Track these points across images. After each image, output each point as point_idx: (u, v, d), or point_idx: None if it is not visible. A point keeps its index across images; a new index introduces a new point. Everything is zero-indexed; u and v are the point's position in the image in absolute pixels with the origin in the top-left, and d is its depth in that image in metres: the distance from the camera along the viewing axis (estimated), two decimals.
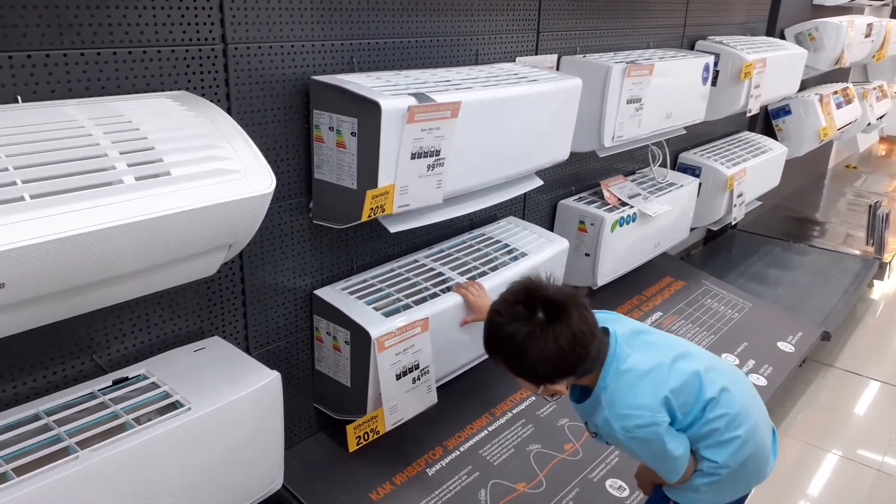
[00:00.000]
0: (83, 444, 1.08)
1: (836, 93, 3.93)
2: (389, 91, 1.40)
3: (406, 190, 1.47)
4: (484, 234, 2.02)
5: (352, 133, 1.40)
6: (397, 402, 1.56)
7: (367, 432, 1.54)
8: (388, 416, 1.55)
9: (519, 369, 1.24)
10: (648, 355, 1.29)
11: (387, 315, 1.56)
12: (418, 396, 1.61)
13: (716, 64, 2.74)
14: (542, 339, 1.18)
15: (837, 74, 4.29)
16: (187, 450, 1.17)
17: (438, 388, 1.72)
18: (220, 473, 1.24)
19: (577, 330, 1.19)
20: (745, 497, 1.42)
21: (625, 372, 1.26)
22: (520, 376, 1.25)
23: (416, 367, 1.59)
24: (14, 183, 0.91)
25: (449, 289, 1.71)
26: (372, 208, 1.42)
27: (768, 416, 1.40)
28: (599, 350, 1.26)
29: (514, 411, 1.96)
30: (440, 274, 1.77)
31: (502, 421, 1.91)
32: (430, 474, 1.70)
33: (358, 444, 1.52)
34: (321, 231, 1.60)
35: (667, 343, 1.35)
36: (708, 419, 1.28)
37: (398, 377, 1.56)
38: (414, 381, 1.59)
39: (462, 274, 1.78)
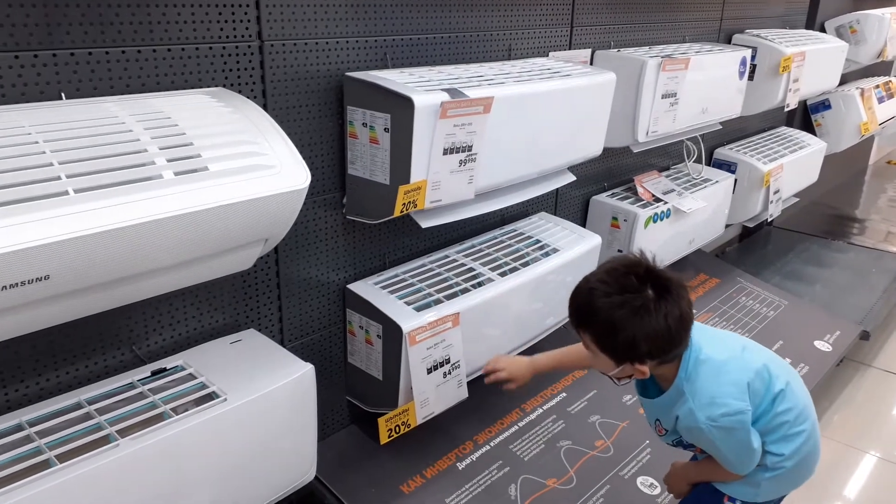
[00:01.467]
0: (123, 433, 1.11)
1: (877, 87, 3.84)
2: (422, 87, 1.41)
3: (438, 185, 1.47)
4: (515, 230, 2.02)
5: (385, 129, 1.41)
6: (428, 395, 1.57)
7: (398, 425, 1.55)
8: (419, 409, 1.56)
9: (610, 344, 1.22)
10: (720, 346, 1.29)
11: (418, 310, 1.57)
12: (449, 391, 1.62)
13: (753, 58, 2.70)
14: (653, 314, 1.17)
15: (879, 68, 4.18)
16: (223, 440, 1.20)
17: (469, 383, 1.72)
18: (254, 463, 1.26)
19: (684, 311, 1.20)
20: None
21: (703, 362, 1.27)
22: (606, 351, 1.24)
23: (447, 361, 1.60)
24: (59, 177, 0.93)
25: (480, 284, 1.71)
26: (404, 203, 1.43)
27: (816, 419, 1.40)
28: (683, 345, 1.26)
29: (545, 407, 1.95)
30: (471, 269, 1.78)
31: (533, 416, 1.91)
32: (460, 468, 1.71)
33: (389, 437, 1.53)
34: (354, 226, 1.62)
35: (729, 336, 1.36)
36: (777, 412, 1.28)
37: (429, 371, 1.57)
38: (445, 375, 1.60)
39: (493, 269, 1.78)
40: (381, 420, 1.53)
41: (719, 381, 1.25)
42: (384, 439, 1.52)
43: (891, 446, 2.32)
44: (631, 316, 1.18)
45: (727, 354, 1.29)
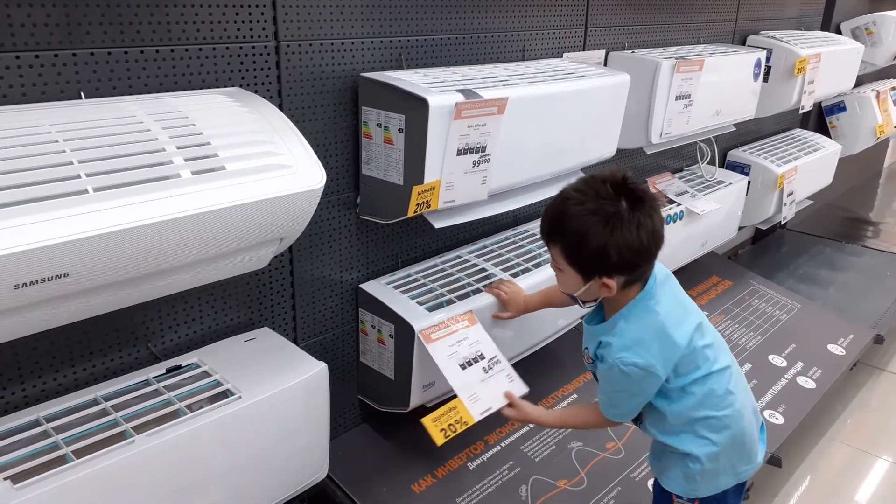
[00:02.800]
0: (139, 430, 1.12)
1: (893, 89, 3.80)
2: (437, 87, 1.41)
3: (451, 186, 1.48)
4: (528, 231, 2.02)
5: (399, 129, 1.41)
6: (476, 391, 1.53)
7: (451, 424, 1.49)
8: (470, 406, 1.50)
9: (580, 253, 1.21)
10: (675, 310, 1.28)
11: (430, 310, 1.58)
12: (499, 386, 1.56)
13: (768, 59, 2.68)
14: (625, 223, 1.17)
15: (895, 70, 4.15)
16: (237, 437, 1.21)
17: None
18: (267, 461, 1.27)
19: (657, 225, 1.20)
20: (743, 486, 1.40)
21: (652, 312, 1.26)
22: (575, 264, 1.23)
23: (482, 357, 1.57)
24: (78, 176, 0.94)
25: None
26: (418, 204, 1.43)
27: (757, 406, 1.41)
28: (648, 273, 1.26)
29: (557, 408, 1.95)
30: (483, 270, 1.78)
31: None
32: (471, 468, 1.71)
33: (446, 438, 1.46)
34: (367, 226, 1.63)
35: (692, 309, 1.34)
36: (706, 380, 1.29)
37: (464, 367, 1.54)
38: (485, 370, 1.56)
39: (505, 270, 1.78)
40: (426, 421, 1.45)
41: (650, 336, 1.24)
42: (440, 441, 1.45)
43: None
44: (603, 224, 1.18)
45: (675, 321, 1.26)
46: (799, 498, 2.07)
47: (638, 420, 1.39)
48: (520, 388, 1.58)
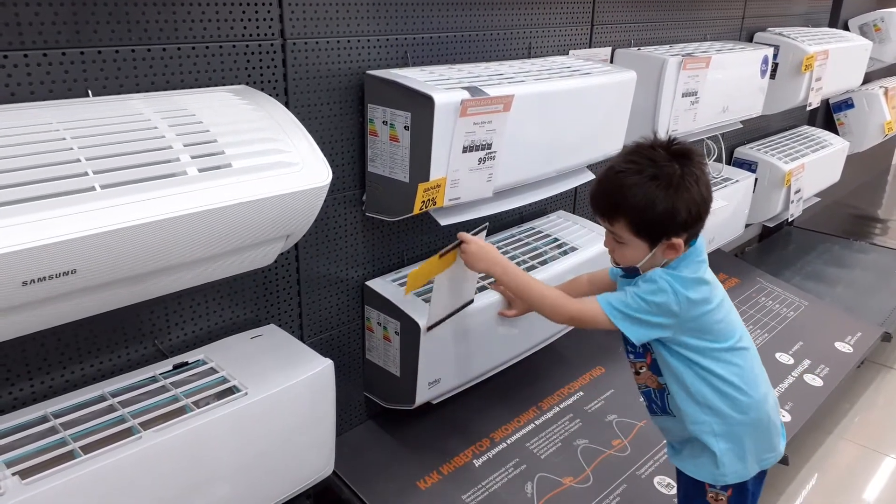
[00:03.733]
0: (146, 426, 1.13)
1: None
2: (442, 85, 1.41)
3: (457, 183, 1.48)
4: (534, 228, 2.02)
5: (405, 127, 1.41)
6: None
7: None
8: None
9: (648, 222, 1.23)
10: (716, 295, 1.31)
11: None
12: None
13: (775, 56, 2.67)
14: (687, 181, 1.21)
15: None
16: (243, 433, 1.21)
17: (486, 381, 1.73)
18: (273, 457, 1.28)
19: (708, 177, 1.26)
20: (764, 476, 1.40)
21: (698, 263, 1.30)
22: (642, 232, 1.25)
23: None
24: (86, 173, 0.95)
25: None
26: (423, 201, 1.43)
27: (777, 400, 1.41)
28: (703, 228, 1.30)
29: (562, 405, 1.95)
30: None
31: (549, 415, 1.91)
32: (476, 465, 1.71)
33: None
34: (373, 223, 1.63)
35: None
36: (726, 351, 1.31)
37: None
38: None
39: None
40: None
41: (691, 278, 1.27)
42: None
43: None
44: (666, 187, 1.21)
45: (711, 277, 1.32)
46: (806, 496, 2.06)
47: (663, 403, 1.39)
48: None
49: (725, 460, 1.33)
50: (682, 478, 1.43)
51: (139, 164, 0.99)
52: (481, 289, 1.68)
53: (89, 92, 1.12)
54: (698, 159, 1.26)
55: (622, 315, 1.28)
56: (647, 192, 1.22)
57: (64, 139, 0.97)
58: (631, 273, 1.34)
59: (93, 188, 0.94)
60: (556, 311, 1.37)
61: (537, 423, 1.88)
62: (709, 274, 1.32)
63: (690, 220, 1.24)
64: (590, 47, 2.07)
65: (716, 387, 1.30)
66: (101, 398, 1.20)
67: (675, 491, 1.72)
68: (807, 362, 2.35)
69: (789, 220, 3.10)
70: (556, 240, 1.97)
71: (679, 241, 1.25)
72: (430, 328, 1.52)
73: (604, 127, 1.83)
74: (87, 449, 1.07)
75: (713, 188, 2.53)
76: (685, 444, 1.39)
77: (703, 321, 1.28)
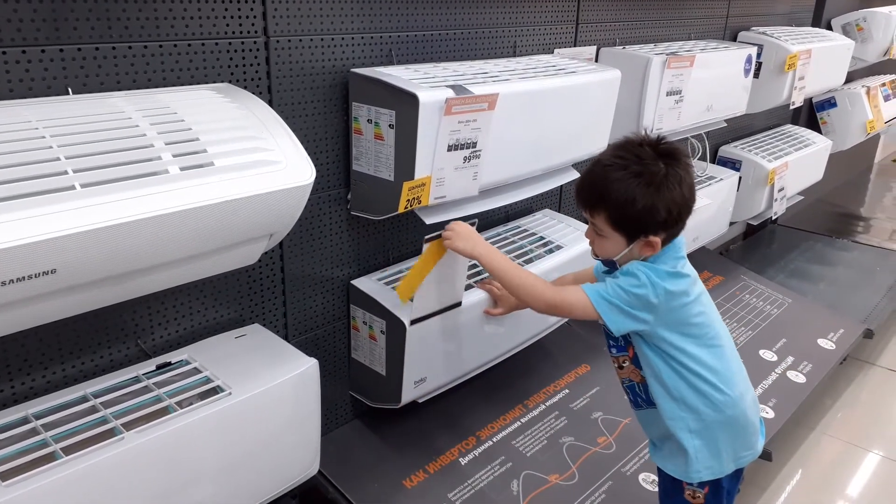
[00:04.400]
0: (128, 426, 1.12)
1: (883, 85, 3.82)
2: (427, 83, 1.41)
3: (442, 182, 1.48)
4: (519, 227, 2.02)
5: (390, 125, 1.41)
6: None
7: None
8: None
9: (627, 217, 1.25)
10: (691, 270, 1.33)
11: None
12: None
13: (759, 55, 2.69)
14: (670, 181, 1.23)
15: (886, 66, 4.17)
16: (227, 434, 1.21)
17: (472, 379, 1.73)
18: (258, 457, 1.27)
19: (692, 179, 1.28)
20: (741, 474, 1.41)
21: (676, 259, 1.30)
22: (621, 227, 1.26)
23: None
24: (65, 172, 0.94)
25: (482, 280, 1.71)
26: (408, 200, 1.43)
27: (756, 397, 1.42)
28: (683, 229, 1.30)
29: (548, 403, 1.96)
30: (474, 265, 1.78)
31: (535, 413, 1.91)
32: (462, 464, 1.71)
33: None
34: (358, 222, 1.62)
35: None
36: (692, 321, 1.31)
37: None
38: None
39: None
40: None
41: (667, 271, 1.28)
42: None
43: (894, 445, 2.32)
44: (648, 185, 1.22)
45: (689, 271, 1.33)
46: (790, 491, 2.08)
47: (642, 399, 1.40)
48: None
49: (699, 456, 1.33)
50: (661, 475, 1.44)
51: (120, 163, 0.99)
52: (468, 287, 1.68)
53: (69, 90, 1.11)
54: (685, 160, 1.27)
55: (605, 302, 1.28)
56: (629, 188, 1.23)
57: (43, 137, 0.96)
58: (610, 266, 1.36)
59: (73, 187, 0.93)
60: (536, 298, 1.37)
61: (523, 420, 1.88)
62: (687, 268, 1.33)
63: (670, 220, 1.25)
64: (575, 46, 2.08)
65: (692, 383, 1.31)
66: (84, 399, 1.19)
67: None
68: (790, 359, 2.37)
69: (773, 218, 3.13)
70: (541, 238, 1.97)
71: (656, 239, 1.26)
72: (413, 322, 1.52)
73: (589, 125, 1.84)
74: (68, 450, 1.06)
75: (698, 187, 2.55)
76: (664, 441, 1.40)
77: (681, 314, 1.29)
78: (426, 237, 1.45)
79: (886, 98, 3.80)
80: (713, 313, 1.36)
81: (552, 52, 2.01)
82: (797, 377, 2.28)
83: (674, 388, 1.32)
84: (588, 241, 1.36)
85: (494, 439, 1.80)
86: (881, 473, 2.20)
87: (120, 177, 0.97)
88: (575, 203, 1.36)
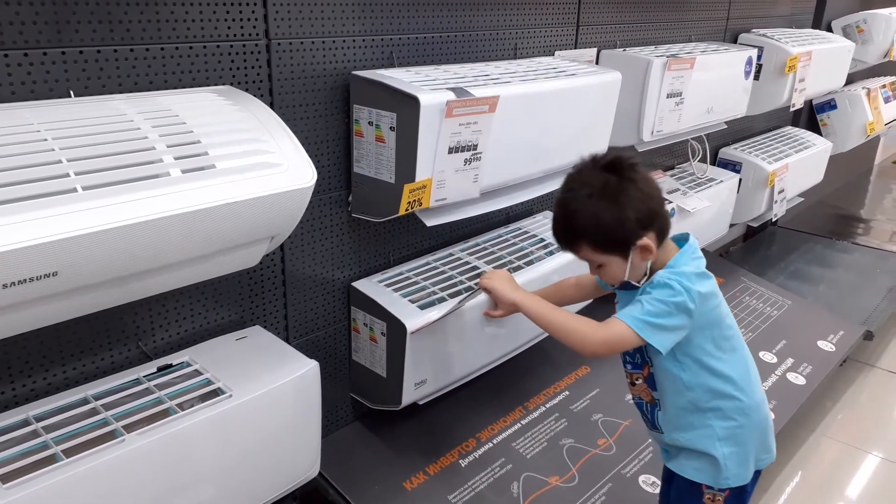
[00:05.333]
0: (129, 428, 1.12)
1: (884, 87, 3.83)
2: (428, 86, 1.41)
3: (443, 184, 1.48)
4: (520, 229, 2.02)
5: (391, 127, 1.41)
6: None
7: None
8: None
9: (605, 235, 1.26)
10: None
11: (422, 308, 1.58)
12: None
13: (759, 57, 2.69)
14: (622, 184, 1.24)
15: (886, 68, 4.17)
16: (228, 435, 1.21)
17: (472, 382, 1.73)
18: (259, 459, 1.27)
19: (646, 173, 1.29)
20: (759, 475, 1.41)
21: (697, 259, 1.31)
22: (608, 248, 1.27)
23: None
24: (67, 175, 0.94)
25: None
26: (409, 202, 1.43)
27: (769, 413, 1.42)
28: (668, 221, 1.31)
29: (548, 405, 1.96)
30: (475, 268, 1.78)
31: (535, 415, 1.92)
32: (463, 466, 1.71)
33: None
34: (359, 224, 1.63)
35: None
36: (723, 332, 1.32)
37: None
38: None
39: (498, 268, 1.78)
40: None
41: (694, 273, 1.28)
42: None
43: (894, 447, 2.32)
44: (602, 199, 1.24)
45: (716, 286, 1.33)
46: (790, 493, 2.08)
47: (652, 416, 1.40)
48: None
49: (729, 464, 1.33)
50: (676, 479, 1.41)
51: (122, 165, 0.99)
52: (468, 289, 1.68)
53: (71, 92, 1.11)
54: (627, 162, 1.27)
55: (647, 325, 1.25)
56: (590, 210, 1.25)
57: (45, 140, 0.96)
58: (627, 288, 1.34)
59: (74, 189, 0.93)
60: (585, 342, 1.32)
61: (523, 422, 1.88)
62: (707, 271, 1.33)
63: (643, 217, 1.25)
64: (575, 48, 2.08)
65: (722, 391, 1.31)
66: (84, 401, 1.19)
67: (660, 489, 1.73)
68: (790, 361, 2.37)
69: (773, 220, 3.13)
70: (542, 240, 1.97)
71: (646, 241, 1.26)
72: (416, 331, 1.52)
73: (589, 127, 1.84)
74: (69, 452, 1.06)
75: (697, 189, 2.55)
76: (681, 449, 1.39)
77: (714, 315, 1.29)
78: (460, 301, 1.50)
79: (887, 100, 3.80)
80: (731, 315, 1.36)
81: (553, 55, 2.01)
82: (797, 379, 2.28)
83: (703, 400, 1.31)
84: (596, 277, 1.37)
85: (494, 441, 1.80)
86: (881, 475, 2.20)
87: (122, 179, 0.97)
88: (559, 246, 1.37)
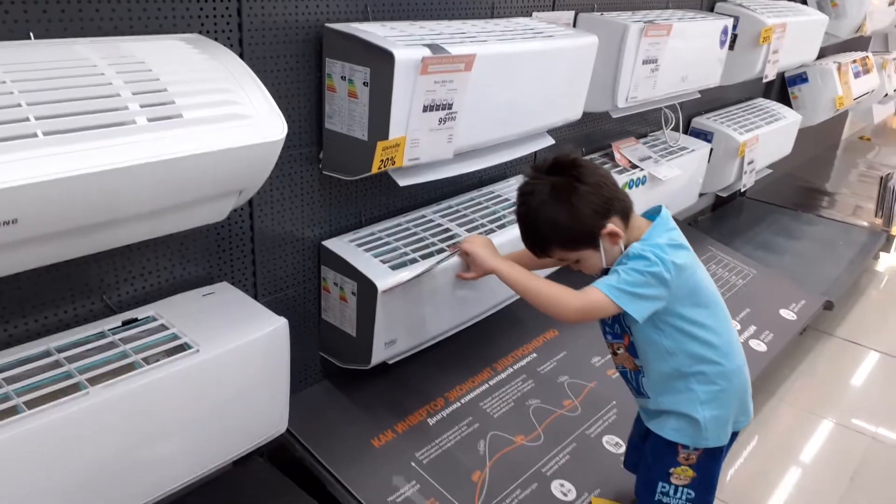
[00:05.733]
0: (93, 381, 1.10)
1: (854, 62, 3.87)
2: (403, 41, 1.39)
3: (417, 143, 1.46)
4: (493, 192, 2.02)
5: (364, 83, 1.39)
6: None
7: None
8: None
9: (569, 232, 1.30)
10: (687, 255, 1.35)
11: (393, 268, 1.57)
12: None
13: (734, 27, 2.69)
14: (569, 181, 1.29)
15: (857, 43, 4.21)
16: (194, 391, 1.20)
17: (442, 343, 1.74)
18: (226, 415, 1.27)
19: (588, 163, 1.34)
20: (735, 437, 1.46)
21: (669, 230, 1.35)
22: (576, 243, 1.32)
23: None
24: (27, 119, 0.91)
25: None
26: (382, 160, 1.42)
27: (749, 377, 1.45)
28: (627, 200, 1.34)
29: (516, 367, 1.98)
30: (447, 230, 1.78)
31: (503, 376, 1.94)
32: (430, 424, 1.73)
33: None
34: (331, 182, 1.61)
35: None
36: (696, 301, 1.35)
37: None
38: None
39: (469, 230, 1.78)
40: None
41: (667, 244, 1.30)
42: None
43: (848, 413, 2.40)
44: (556, 200, 1.30)
45: (691, 255, 1.36)
46: (747, 456, 2.14)
47: (637, 383, 1.42)
48: None
49: (710, 426, 1.36)
50: (652, 436, 1.45)
51: (85, 112, 0.95)
52: (440, 251, 1.68)
53: (31, 34, 1.07)
54: (569, 160, 1.32)
55: (624, 293, 1.27)
56: (547, 215, 1.31)
57: (4, 83, 0.92)
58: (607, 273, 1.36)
59: (35, 135, 0.90)
60: (562, 310, 1.34)
61: (491, 383, 1.90)
62: (682, 238, 1.35)
63: (599, 208, 1.29)
64: (553, 10, 2.06)
65: (704, 357, 1.33)
66: (47, 353, 1.17)
67: (622, 450, 1.77)
68: (752, 328, 2.42)
69: (742, 190, 3.17)
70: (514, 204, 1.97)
71: (611, 227, 1.29)
72: (386, 290, 1.52)
73: (565, 91, 1.83)
74: (31, 404, 1.04)
75: (670, 157, 2.57)
76: (663, 411, 1.41)
77: (691, 283, 1.32)
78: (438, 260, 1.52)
79: (856, 75, 3.85)
80: (713, 284, 1.39)
81: (530, 16, 1.98)
82: (759, 346, 2.34)
83: (686, 365, 1.34)
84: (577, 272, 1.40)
85: (462, 401, 1.82)
86: (834, 439, 2.28)
87: (85, 126, 0.94)
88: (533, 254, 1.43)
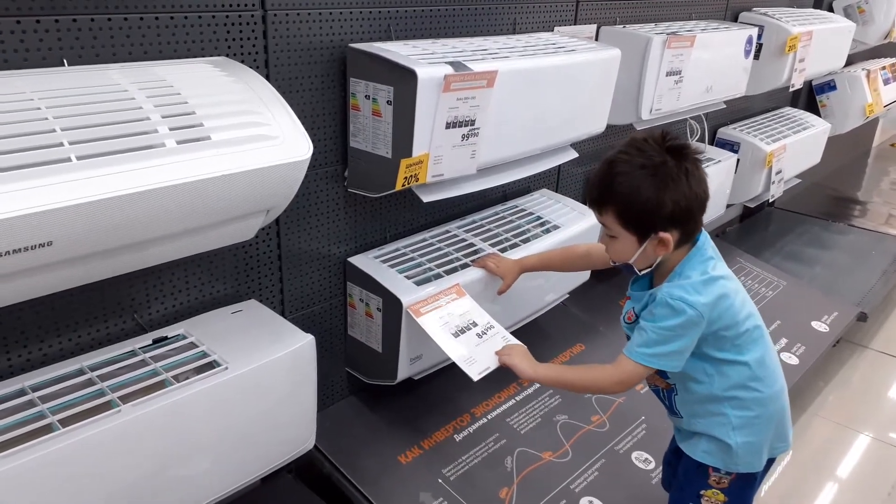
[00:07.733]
0: (125, 399, 1.12)
1: (884, 68, 3.81)
2: (426, 59, 1.40)
3: (440, 160, 1.47)
4: (517, 206, 2.02)
5: (388, 101, 1.40)
6: (471, 355, 1.52)
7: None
8: (467, 369, 1.48)
9: (634, 212, 1.23)
10: (728, 270, 1.31)
11: (418, 284, 1.58)
12: (495, 347, 1.54)
13: (759, 36, 2.67)
14: (675, 173, 1.21)
15: (886, 49, 4.15)
16: (223, 408, 1.21)
17: None
18: (254, 432, 1.28)
19: (703, 174, 1.26)
20: (771, 464, 1.42)
21: (706, 261, 1.29)
22: (630, 225, 1.25)
23: (475, 324, 1.57)
24: (61, 144, 0.93)
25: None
26: (406, 177, 1.43)
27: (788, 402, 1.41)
28: (699, 229, 1.29)
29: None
30: (472, 245, 1.78)
31: (530, 391, 1.93)
32: (457, 440, 1.73)
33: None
34: (356, 199, 1.62)
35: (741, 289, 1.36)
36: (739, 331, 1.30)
37: (456, 335, 1.53)
38: (479, 336, 1.55)
39: (494, 245, 1.78)
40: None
41: (699, 280, 1.26)
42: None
43: (884, 427, 2.34)
44: (653, 175, 1.21)
45: (727, 273, 1.31)
46: (781, 472, 2.10)
47: (670, 401, 1.40)
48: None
49: (741, 452, 1.33)
50: (685, 458, 1.42)
51: (116, 136, 0.98)
52: (464, 266, 1.69)
53: (65, 61, 1.10)
54: (693, 155, 1.24)
55: (654, 357, 1.26)
56: (633, 180, 1.22)
57: (39, 109, 0.95)
58: (628, 272, 1.34)
59: (69, 159, 0.92)
60: (604, 390, 1.38)
61: (518, 398, 1.89)
62: (720, 268, 1.29)
63: (678, 213, 1.22)
64: (575, 24, 2.06)
65: (740, 384, 1.30)
66: (80, 372, 1.20)
67: (652, 466, 1.75)
68: (784, 341, 2.38)
69: (770, 200, 3.13)
70: (538, 218, 1.97)
71: (667, 236, 1.23)
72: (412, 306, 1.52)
73: (588, 105, 1.83)
74: (65, 422, 1.06)
75: None
76: (695, 432, 1.39)
77: (728, 315, 1.27)
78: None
79: (886, 82, 3.79)
80: (752, 308, 1.34)
81: (552, 30, 1.99)
82: (790, 359, 2.30)
83: (720, 389, 1.31)
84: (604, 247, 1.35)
85: (489, 417, 1.81)
86: (871, 455, 2.22)
87: (117, 149, 0.96)
88: (587, 201, 1.36)
